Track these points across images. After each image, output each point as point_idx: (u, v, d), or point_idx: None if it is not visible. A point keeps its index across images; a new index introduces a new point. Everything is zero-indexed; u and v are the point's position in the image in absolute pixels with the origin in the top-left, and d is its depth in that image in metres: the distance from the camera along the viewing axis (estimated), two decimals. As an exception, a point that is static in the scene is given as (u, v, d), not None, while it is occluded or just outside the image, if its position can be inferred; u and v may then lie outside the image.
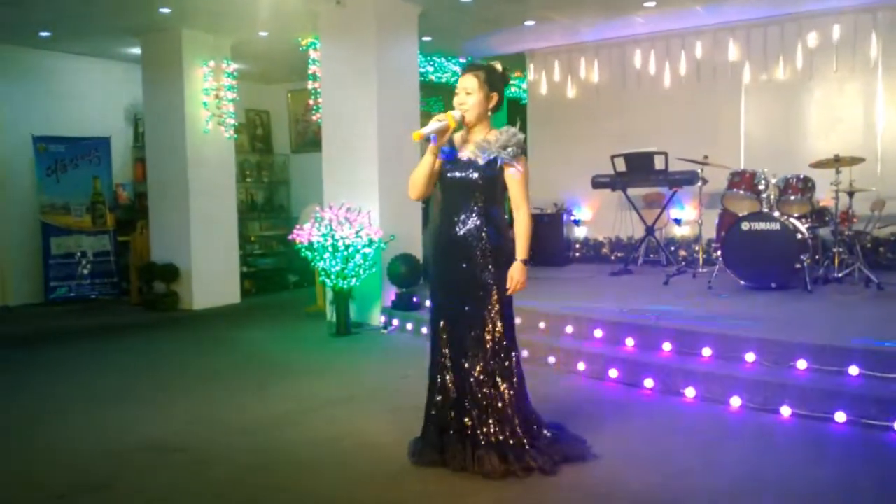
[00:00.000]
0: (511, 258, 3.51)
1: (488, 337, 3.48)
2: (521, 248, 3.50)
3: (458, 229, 3.52)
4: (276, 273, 10.71)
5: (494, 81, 3.54)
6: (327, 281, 6.99)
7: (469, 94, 3.49)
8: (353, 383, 5.35)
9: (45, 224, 9.09)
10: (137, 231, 9.37)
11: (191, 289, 8.70)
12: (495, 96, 3.55)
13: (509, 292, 3.52)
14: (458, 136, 3.60)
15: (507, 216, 3.67)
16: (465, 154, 3.52)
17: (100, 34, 8.53)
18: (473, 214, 3.50)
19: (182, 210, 8.65)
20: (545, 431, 3.63)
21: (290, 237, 7.11)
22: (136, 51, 9.09)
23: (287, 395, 5.05)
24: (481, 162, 3.44)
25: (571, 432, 3.80)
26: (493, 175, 3.46)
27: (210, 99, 8.76)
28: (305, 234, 6.87)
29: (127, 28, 8.34)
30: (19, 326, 7.94)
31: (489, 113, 3.57)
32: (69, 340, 7.08)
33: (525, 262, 3.51)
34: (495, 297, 3.49)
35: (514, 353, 3.57)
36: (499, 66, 3.61)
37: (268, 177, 11.58)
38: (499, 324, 3.50)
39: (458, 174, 3.51)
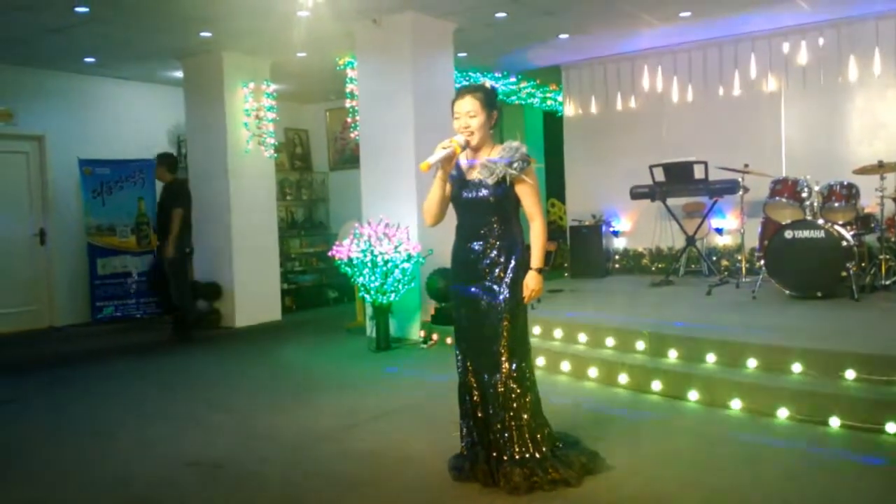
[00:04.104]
0: (526, 271, 3.54)
1: (507, 351, 3.50)
2: (536, 258, 3.54)
3: (475, 247, 3.57)
4: (316, 289, 10.81)
5: (491, 100, 3.60)
6: (367, 296, 7.04)
7: (473, 116, 3.52)
8: (394, 398, 5.37)
9: (92, 245, 9.31)
10: (181, 250, 9.53)
11: (233, 307, 8.83)
12: (495, 114, 3.61)
13: (526, 301, 3.56)
14: (463, 156, 3.64)
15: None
16: (474, 175, 3.56)
17: (143, 59, 8.75)
18: (489, 232, 3.55)
19: (224, 229, 8.81)
20: (558, 442, 3.66)
21: (329, 253, 7.19)
22: (178, 74, 9.31)
23: (328, 410, 5.09)
24: (491, 182, 3.48)
25: (587, 446, 3.80)
26: (503, 192, 3.50)
27: (250, 119, 8.91)
28: (345, 250, 6.94)
29: (169, 52, 8.56)
30: (67, 346, 8.12)
31: (490, 131, 3.61)
32: (115, 359, 7.22)
33: (540, 271, 3.55)
34: (512, 311, 3.52)
35: (529, 364, 3.60)
36: (488, 84, 3.69)
37: (307, 194, 11.73)
38: (516, 337, 3.53)
39: (470, 195, 3.55)
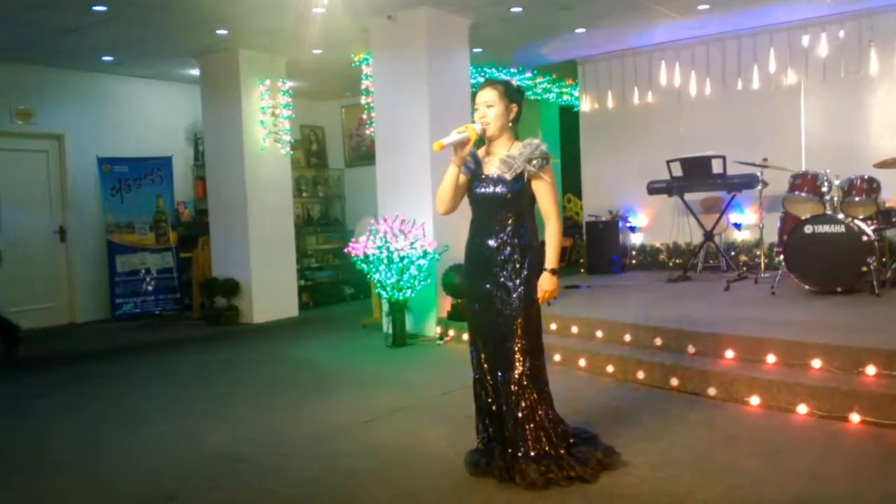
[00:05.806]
0: (541, 269, 3.53)
1: (520, 348, 3.50)
2: (551, 258, 3.53)
3: (489, 243, 3.56)
4: (332, 286, 10.85)
5: (513, 94, 3.59)
6: (383, 293, 7.05)
7: (490, 106, 3.53)
8: (410, 394, 5.38)
9: (111, 242, 9.39)
10: (199, 247, 9.60)
11: (251, 303, 8.88)
12: (515, 108, 3.59)
13: (540, 302, 3.56)
14: (481, 151, 3.64)
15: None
16: (491, 170, 3.55)
17: (160, 57, 8.80)
18: (504, 228, 3.54)
19: (241, 226, 8.85)
20: (573, 439, 3.65)
21: (345, 250, 7.21)
22: (195, 72, 9.36)
23: (345, 406, 5.11)
24: (508, 177, 3.47)
25: (603, 442, 3.77)
26: (520, 189, 3.49)
27: (267, 117, 8.95)
28: (361, 246, 6.95)
29: (186, 50, 8.60)
30: (87, 342, 8.20)
31: (510, 125, 3.60)
32: (135, 355, 7.28)
33: (554, 272, 3.53)
34: (526, 307, 3.51)
35: (543, 361, 3.60)
36: (514, 82, 3.67)
37: (323, 191, 11.76)
38: (529, 334, 3.52)
39: (486, 190, 3.54)
